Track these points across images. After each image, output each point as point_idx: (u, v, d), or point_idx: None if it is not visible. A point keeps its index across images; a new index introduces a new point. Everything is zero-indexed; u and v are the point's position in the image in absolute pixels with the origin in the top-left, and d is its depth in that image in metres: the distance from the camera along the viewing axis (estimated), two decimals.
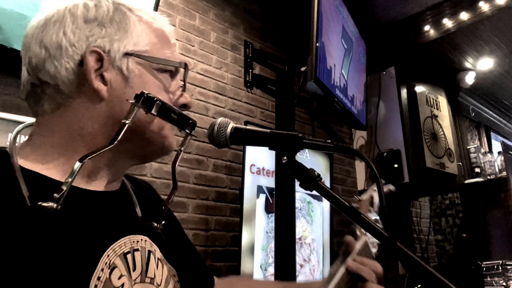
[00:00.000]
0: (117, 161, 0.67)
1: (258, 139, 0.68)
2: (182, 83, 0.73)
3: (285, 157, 0.64)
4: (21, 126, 0.66)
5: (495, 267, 3.26)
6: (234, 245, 2.32)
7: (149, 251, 0.66)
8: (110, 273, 0.58)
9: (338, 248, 3.10)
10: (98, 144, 0.62)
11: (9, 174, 0.57)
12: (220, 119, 0.70)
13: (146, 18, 0.70)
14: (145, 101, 0.63)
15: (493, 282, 3.23)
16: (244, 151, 2.29)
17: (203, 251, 2.22)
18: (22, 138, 0.71)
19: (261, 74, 2.38)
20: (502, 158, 3.97)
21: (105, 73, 0.64)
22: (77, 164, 0.57)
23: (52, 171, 0.61)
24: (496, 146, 4.93)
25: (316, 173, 0.63)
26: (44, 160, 0.62)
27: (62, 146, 0.63)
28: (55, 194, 0.55)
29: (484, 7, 3.19)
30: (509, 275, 3.20)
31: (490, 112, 5.19)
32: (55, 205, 0.54)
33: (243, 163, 2.29)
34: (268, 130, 0.67)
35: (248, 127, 0.69)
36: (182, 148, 0.70)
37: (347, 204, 0.62)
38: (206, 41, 2.56)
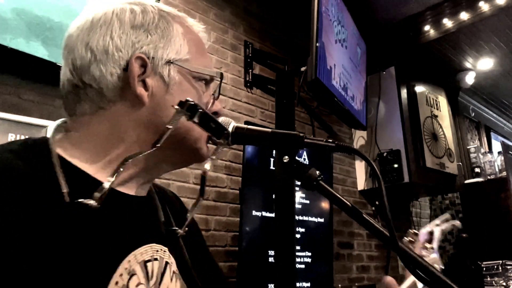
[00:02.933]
0: (153, 166, 0.68)
1: (259, 139, 0.68)
2: (214, 91, 0.74)
3: (286, 157, 0.64)
4: (59, 121, 0.67)
5: (495, 267, 3.26)
6: (234, 245, 2.32)
7: (166, 262, 0.66)
8: (129, 279, 0.57)
9: (339, 249, 3.11)
10: (138, 148, 0.63)
11: (48, 167, 0.57)
12: (221, 119, 0.70)
13: (187, 27, 0.73)
14: (188, 108, 0.63)
15: (493, 282, 3.23)
16: (244, 151, 2.28)
17: None
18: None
19: (261, 74, 2.37)
20: (502, 158, 3.97)
21: (147, 79, 0.64)
22: (121, 163, 0.59)
23: (91, 168, 0.62)
24: (496, 146, 4.93)
25: (317, 172, 0.63)
26: (83, 157, 0.62)
27: (101, 147, 0.63)
28: (95, 193, 0.56)
29: (484, 7, 3.19)
30: (509, 275, 3.20)
31: (490, 112, 5.19)
32: (95, 203, 0.55)
33: (243, 163, 2.29)
34: (269, 130, 0.67)
35: (249, 126, 0.69)
36: (214, 157, 0.70)
37: (348, 204, 0.62)
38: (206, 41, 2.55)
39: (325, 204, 2.76)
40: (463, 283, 3.33)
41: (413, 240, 0.96)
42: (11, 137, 1.58)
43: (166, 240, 0.68)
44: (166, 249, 0.67)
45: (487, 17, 3.26)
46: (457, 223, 1.03)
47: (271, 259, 2.24)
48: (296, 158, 0.65)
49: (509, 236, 3.50)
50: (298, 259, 2.44)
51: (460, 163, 4.06)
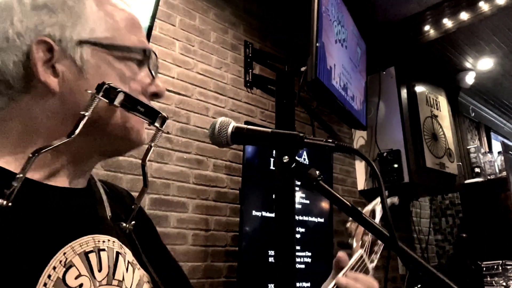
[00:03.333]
0: (82, 156, 0.63)
1: (259, 139, 0.68)
2: (153, 70, 0.68)
3: (286, 157, 0.64)
4: None
5: (495, 267, 3.26)
6: (234, 245, 2.32)
7: (118, 253, 0.62)
8: (65, 272, 0.54)
9: (339, 249, 3.10)
10: (56, 138, 0.58)
11: None
12: (221, 119, 0.69)
13: (106, 2, 0.64)
14: (107, 91, 0.58)
15: (493, 282, 3.24)
16: (244, 151, 2.29)
17: (203, 251, 2.22)
18: None
19: (261, 74, 2.37)
20: (502, 158, 3.97)
21: (56, 64, 0.59)
22: (29, 158, 0.54)
23: (11, 164, 0.57)
24: (496, 146, 4.93)
25: (317, 172, 0.63)
26: (1, 154, 0.58)
27: (18, 142, 0.59)
28: (5, 190, 0.51)
29: (484, 7, 3.19)
30: (509, 275, 3.21)
31: (490, 112, 5.19)
32: (4, 202, 0.51)
33: (243, 163, 2.29)
34: (269, 130, 0.67)
35: (249, 126, 0.69)
36: (153, 144, 0.65)
37: (348, 204, 0.62)
38: (206, 41, 2.56)
39: (325, 204, 2.76)
40: (463, 283, 3.33)
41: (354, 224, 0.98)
42: None
43: (114, 232, 0.65)
44: (114, 239, 0.63)
45: (487, 17, 3.26)
46: (395, 199, 1.05)
47: (271, 259, 2.24)
48: (296, 158, 0.65)
49: (509, 236, 3.50)
50: (298, 259, 2.44)
51: (460, 163, 4.06)
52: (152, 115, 0.64)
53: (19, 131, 0.59)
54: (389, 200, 1.05)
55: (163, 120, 0.65)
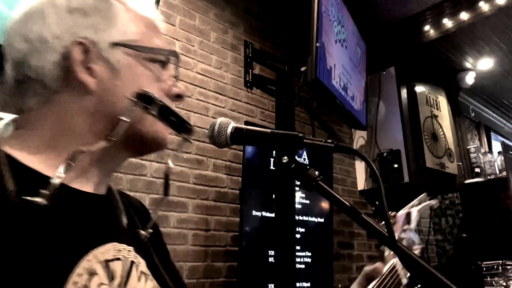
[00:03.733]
0: (108, 157, 0.64)
1: (258, 139, 0.68)
2: (174, 73, 0.70)
3: (285, 157, 0.64)
4: (4, 121, 0.63)
5: (495, 267, 3.26)
6: (234, 245, 2.33)
7: (132, 262, 0.62)
8: (89, 279, 0.54)
9: (339, 249, 3.11)
10: (89, 139, 0.59)
11: None
12: (220, 119, 0.69)
13: (133, 6, 0.67)
14: (145, 100, 0.61)
15: (493, 282, 3.23)
16: (244, 151, 2.29)
17: (203, 251, 2.22)
18: None
19: (261, 74, 2.37)
20: (502, 158, 3.97)
21: (92, 65, 0.60)
22: (71, 158, 0.55)
23: (41, 165, 0.57)
24: (496, 146, 4.93)
25: (316, 173, 0.63)
26: (32, 153, 0.58)
27: (51, 141, 0.59)
28: (43, 190, 0.52)
29: (484, 7, 3.19)
30: (509, 275, 3.20)
31: (490, 112, 5.19)
32: (44, 201, 0.51)
33: (243, 163, 2.29)
34: (269, 130, 0.67)
35: (249, 127, 0.69)
36: (177, 153, 0.67)
37: (347, 204, 0.62)
38: (206, 41, 2.56)
39: (325, 204, 2.76)
40: (463, 283, 3.33)
41: (392, 222, 0.94)
42: None
43: (130, 241, 0.65)
44: (131, 248, 0.64)
45: (487, 17, 3.26)
46: (433, 202, 1.04)
47: (271, 259, 2.24)
48: (296, 158, 0.65)
49: (509, 236, 3.50)
50: (298, 259, 2.44)
51: (460, 163, 4.06)
52: (182, 126, 0.66)
53: (52, 130, 0.60)
54: (428, 203, 1.03)
55: (189, 131, 0.67)
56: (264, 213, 2.29)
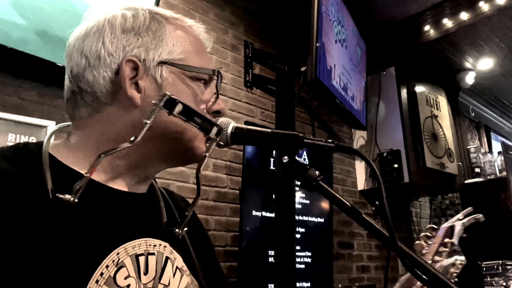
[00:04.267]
0: (142, 162, 0.68)
1: (259, 139, 0.68)
2: (215, 90, 0.73)
3: (286, 157, 0.64)
4: (57, 126, 0.70)
5: (495, 267, 3.26)
6: (234, 245, 2.33)
7: (167, 257, 0.66)
8: (116, 271, 0.58)
9: (339, 249, 3.11)
10: (130, 148, 0.63)
11: (37, 167, 0.59)
12: (221, 119, 0.70)
13: (182, 26, 0.72)
14: (167, 102, 0.63)
15: (493, 282, 3.23)
16: (244, 151, 2.29)
17: None
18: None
19: (261, 74, 2.37)
20: (502, 158, 3.97)
21: (140, 81, 0.65)
22: (95, 159, 0.60)
23: (81, 166, 0.63)
24: (496, 146, 4.93)
25: (316, 173, 0.63)
26: (77, 158, 0.64)
27: (95, 149, 0.64)
28: (74, 186, 0.57)
29: (484, 7, 3.19)
30: (509, 275, 3.20)
31: (490, 112, 5.19)
32: (71, 198, 0.56)
33: (243, 163, 2.29)
34: (269, 130, 0.67)
35: (249, 126, 0.69)
36: (207, 154, 0.68)
37: (347, 204, 0.62)
38: None
39: (325, 204, 2.76)
40: (463, 283, 3.32)
41: (430, 235, 0.90)
42: (11, 137, 1.58)
43: (167, 237, 0.68)
44: (166, 244, 0.67)
45: (487, 17, 3.26)
46: (480, 216, 0.98)
47: (271, 259, 2.24)
48: (296, 158, 0.65)
49: (509, 236, 3.50)
50: (298, 259, 2.44)
51: (460, 163, 4.06)
52: (208, 126, 0.67)
53: (97, 138, 0.66)
54: (473, 217, 0.97)
55: (219, 131, 0.67)
56: (264, 213, 2.29)
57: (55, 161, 0.62)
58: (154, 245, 0.65)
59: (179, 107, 0.64)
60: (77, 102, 0.67)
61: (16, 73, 1.70)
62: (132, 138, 0.61)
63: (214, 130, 0.67)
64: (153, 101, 0.63)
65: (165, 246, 0.67)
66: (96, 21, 0.68)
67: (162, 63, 0.67)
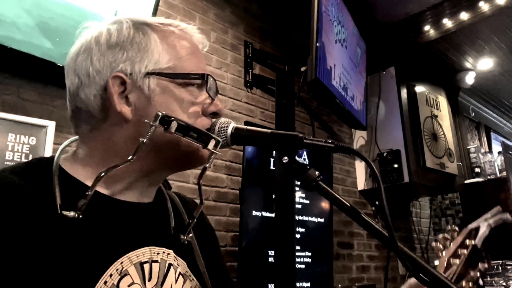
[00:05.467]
0: (149, 172, 0.70)
1: (258, 139, 0.68)
2: (212, 92, 0.74)
3: (285, 157, 0.64)
4: (68, 141, 0.72)
5: (495, 267, 3.26)
6: (234, 245, 2.33)
7: (170, 264, 0.68)
8: (120, 279, 0.60)
9: (339, 249, 3.11)
10: (132, 162, 0.64)
11: (47, 181, 0.62)
12: (221, 119, 0.70)
13: (172, 32, 0.71)
14: (162, 120, 0.64)
15: (493, 282, 3.23)
16: (244, 151, 2.29)
17: None
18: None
19: (261, 74, 2.38)
20: (502, 158, 3.96)
21: (129, 95, 0.66)
22: (97, 177, 0.61)
23: (90, 180, 0.64)
24: (496, 146, 4.93)
25: (316, 173, 0.63)
26: (85, 172, 0.66)
27: (100, 163, 0.66)
28: (79, 202, 0.59)
29: (484, 7, 3.19)
30: (509, 275, 3.21)
31: (490, 112, 5.19)
32: (76, 215, 0.58)
33: (243, 163, 2.29)
34: (269, 130, 0.67)
35: (249, 127, 0.69)
36: (207, 165, 0.69)
37: (347, 204, 0.62)
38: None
39: (325, 204, 2.76)
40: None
41: (448, 237, 0.83)
42: (11, 137, 1.58)
43: (172, 244, 0.70)
44: (170, 251, 0.69)
45: (487, 17, 3.26)
46: (506, 215, 0.91)
47: (271, 259, 2.24)
48: (296, 158, 0.65)
49: (509, 236, 3.50)
50: (298, 259, 2.44)
51: (460, 163, 4.06)
52: (205, 139, 0.68)
53: (101, 153, 0.68)
54: (500, 216, 0.91)
55: (217, 142, 0.68)
56: (264, 213, 2.29)
57: (65, 174, 0.65)
58: (158, 253, 0.67)
59: (174, 124, 0.65)
60: (77, 119, 0.69)
61: (16, 73, 1.70)
62: (130, 157, 0.63)
63: (212, 142, 0.67)
64: (146, 121, 0.64)
65: (168, 254, 0.68)
66: (84, 39, 0.69)
67: (149, 74, 0.67)
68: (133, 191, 0.69)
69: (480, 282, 0.75)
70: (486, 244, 0.84)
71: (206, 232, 0.85)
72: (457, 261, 0.77)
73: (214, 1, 2.65)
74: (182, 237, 0.72)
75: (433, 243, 0.82)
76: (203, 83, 0.71)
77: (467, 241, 0.83)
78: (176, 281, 0.68)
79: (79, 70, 0.67)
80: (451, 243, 0.82)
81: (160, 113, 0.64)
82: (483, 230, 0.84)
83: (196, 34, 0.75)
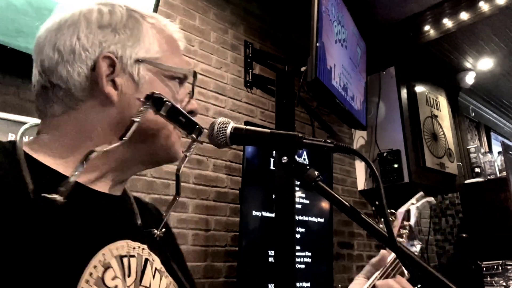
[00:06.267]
0: (124, 164, 0.68)
1: (258, 139, 0.68)
2: (190, 89, 0.74)
3: (285, 157, 0.64)
4: (27, 125, 0.67)
5: (495, 267, 3.26)
6: (234, 245, 2.33)
7: (146, 259, 0.66)
8: (104, 272, 0.57)
9: (339, 249, 3.11)
10: (112, 149, 0.62)
11: (14, 166, 0.57)
12: (220, 119, 0.70)
13: (158, 25, 0.71)
14: (155, 101, 0.64)
15: (493, 282, 3.24)
16: (244, 151, 2.29)
17: (203, 251, 2.22)
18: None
19: (261, 74, 2.38)
20: (502, 158, 3.96)
21: (116, 79, 0.64)
22: (85, 157, 0.58)
23: (60, 166, 0.61)
24: (496, 146, 4.93)
25: (316, 173, 0.63)
26: (52, 156, 0.62)
27: (72, 146, 0.63)
28: (60, 188, 0.55)
29: (484, 7, 3.19)
30: (509, 275, 3.21)
31: (490, 112, 5.19)
32: (60, 198, 0.55)
33: (243, 163, 2.29)
34: (268, 130, 0.67)
35: (248, 127, 0.69)
36: (188, 154, 0.69)
37: (347, 204, 0.62)
38: (206, 41, 2.56)
39: (325, 204, 2.76)
40: (463, 283, 3.33)
41: (392, 219, 0.96)
42: (11, 137, 1.58)
43: (145, 239, 0.68)
44: (145, 246, 0.67)
45: (487, 17, 3.26)
46: (431, 199, 1.06)
47: (271, 259, 2.24)
48: (296, 158, 0.65)
49: (509, 236, 3.50)
50: (298, 259, 2.44)
51: (460, 163, 4.06)
52: (191, 127, 0.69)
53: (72, 136, 0.64)
54: (425, 199, 1.06)
55: (199, 132, 0.69)
56: (264, 213, 2.29)
57: (32, 160, 0.60)
58: (134, 247, 0.65)
59: (166, 106, 0.64)
60: (48, 97, 0.65)
61: (16, 73, 1.70)
62: (121, 136, 0.61)
63: (196, 130, 0.68)
64: (141, 99, 0.63)
65: (143, 248, 0.67)
66: (70, 14, 0.66)
67: (139, 61, 0.66)
68: (106, 182, 0.67)
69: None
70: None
71: (168, 232, 0.82)
72: (402, 239, 0.92)
73: (214, 1, 2.66)
74: (156, 232, 0.70)
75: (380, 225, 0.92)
76: (185, 79, 0.72)
77: (405, 222, 1.00)
78: (154, 276, 0.66)
79: (61, 45, 0.64)
80: (394, 224, 0.98)
81: (155, 93, 0.63)
82: (414, 212, 0.99)
83: (178, 33, 0.75)
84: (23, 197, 0.55)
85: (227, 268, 2.29)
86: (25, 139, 0.65)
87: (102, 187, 0.66)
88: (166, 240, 0.75)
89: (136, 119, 0.62)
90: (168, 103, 0.64)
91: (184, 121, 0.67)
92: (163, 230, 0.72)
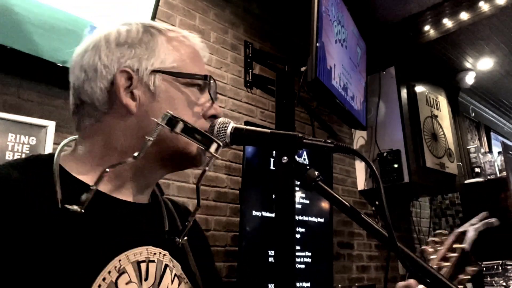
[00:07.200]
0: (145, 171, 0.72)
1: (258, 139, 0.68)
2: (211, 95, 0.77)
3: (285, 157, 0.64)
4: (67, 139, 0.74)
5: (495, 267, 3.26)
6: (234, 245, 2.33)
7: (166, 265, 0.69)
8: (118, 277, 0.61)
9: (339, 249, 3.11)
10: (130, 155, 0.66)
11: (48, 178, 0.63)
12: (220, 119, 0.70)
13: (176, 37, 0.76)
14: (169, 120, 0.66)
15: (493, 282, 3.23)
16: (244, 151, 2.29)
17: None
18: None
19: (261, 74, 2.38)
20: (502, 158, 3.96)
21: (134, 90, 0.69)
22: (102, 172, 0.63)
23: (87, 177, 0.67)
24: (496, 146, 4.93)
25: (316, 173, 0.63)
26: (83, 168, 0.68)
27: (98, 157, 0.69)
28: (82, 197, 0.61)
29: (484, 7, 3.19)
30: (509, 275, 3.20)
31: (490, 112, 5.19)
32: (79, 209, 0.60)
33: (243, 163, 2.29)
34: (268, 130, 0.67)
35: (248, 127, 0.69)
36: (207, 168, 0.71)
37: (347, 204, 0.62)
38: (206, 41, 2.55)
39: (325, 204, 2.76)
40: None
41: (438, 240, 0.86)
42: (11, 137, 1.58)
43: (167, 245, 0.71)
44: (166, 252, 0.70)
45: (487, 17, 3.26)
46: (494, 219, 0.93)
47: (271, 259, 2.24)
48: (296, 158, 0.65)
49: (509, 236, 3.50)
50: (298, 259, 2.44)
51: (460, 163, 4.06)
52: (207, 142, 0.71)
53: (100, 147, 0.70)
54: (487, 221, 0.91)
55: (218, 147, 0.71)
56: (264, 213, 2.29)
57: (64, 172, 0.66)
58: (155, 253, 0.68)
59: (180, 125, 0.67)
60: (80, 113, 0.72)
61: (16, 73, 1.70)
62: (136, 154, 0.65)
63: (214, 145, 0.70)
64: (153, 119, 0.66)
65: (164, 255, 0.70)
66: (93, 38, 0.73)
67: (154, 71, 0.70)
68: (129, 189, 0.71)
69: (469, 285, 0.75)
70: (474, 248, 0.86)
71: (198, 236, 0.86)
72: (446, 264, 0.79)
73: (214, 1, 2.65)
74: (178, 239, 0.73)
75: (423, 247, 0.83)
76: (205, 85, 0.75)
77: (456, 245, 0.85)
78: (172, 282, 0.69)
79: (86, 66, 0.70)
80: (441, 247, 0.83)
81: (168, 113, 0.66)
82: (471, 234, 0.86)
83: (199, 43, 0.80)
84: (52, 206, 0.60)
85: (227, 268, 2.29)
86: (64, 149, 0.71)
87: (126, 194, 0.71)
88: (193, 244, 0.78)
89: (149, 138, 0.65)
90: (181, 122, 0.67)
91: (200, 138, 0.69)
92: (186, 238, 0.75)
